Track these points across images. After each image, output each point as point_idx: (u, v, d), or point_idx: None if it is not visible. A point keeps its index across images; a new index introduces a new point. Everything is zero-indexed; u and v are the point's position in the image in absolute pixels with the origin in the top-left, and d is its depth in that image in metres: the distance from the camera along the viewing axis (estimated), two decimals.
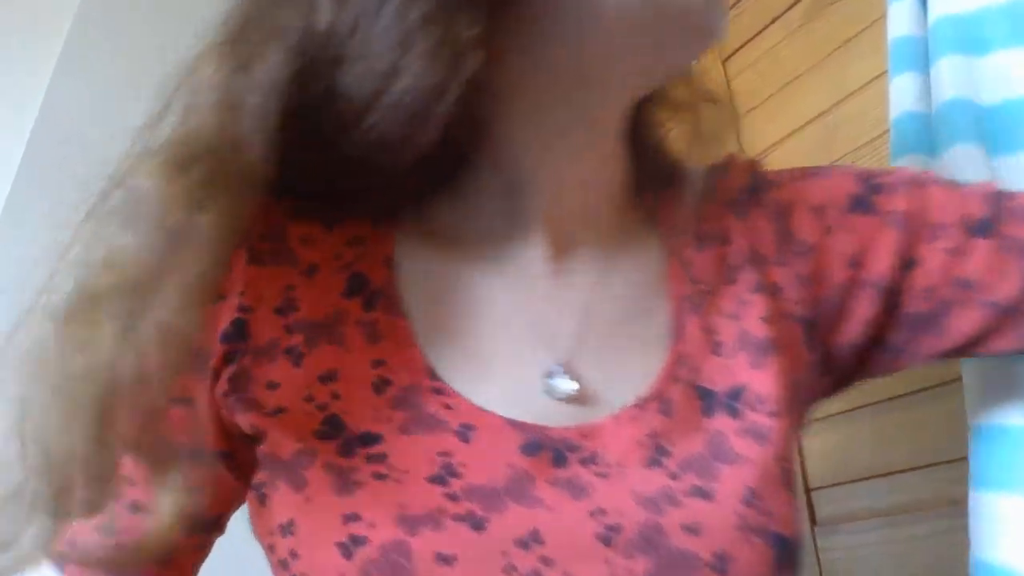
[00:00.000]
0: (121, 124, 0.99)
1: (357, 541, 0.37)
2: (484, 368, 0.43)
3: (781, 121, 1.03)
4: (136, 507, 0.45)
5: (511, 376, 0.43)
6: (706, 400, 0.44)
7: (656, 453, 0.42)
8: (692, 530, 0.39)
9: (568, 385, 0.43)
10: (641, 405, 0.43)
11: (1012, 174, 0.54)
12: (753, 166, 0.52)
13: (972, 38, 0.59)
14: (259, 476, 0.41)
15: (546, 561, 0.38)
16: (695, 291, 0.47)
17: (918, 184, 0.48)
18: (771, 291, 0.47)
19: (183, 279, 0.37)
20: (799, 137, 1.00)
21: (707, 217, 0.49)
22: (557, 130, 0.44)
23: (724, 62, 1.12)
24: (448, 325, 0.44)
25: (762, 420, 0.43)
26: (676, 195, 0.50)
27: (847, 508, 0.89)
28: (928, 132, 0.62)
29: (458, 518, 0.38)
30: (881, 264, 0.47)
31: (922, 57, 0.65)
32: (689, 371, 0.45)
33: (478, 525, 0.38)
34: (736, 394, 0.44)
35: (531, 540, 0.38)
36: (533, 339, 0.44)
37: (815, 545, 0.91)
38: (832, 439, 0.92)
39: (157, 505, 0.39)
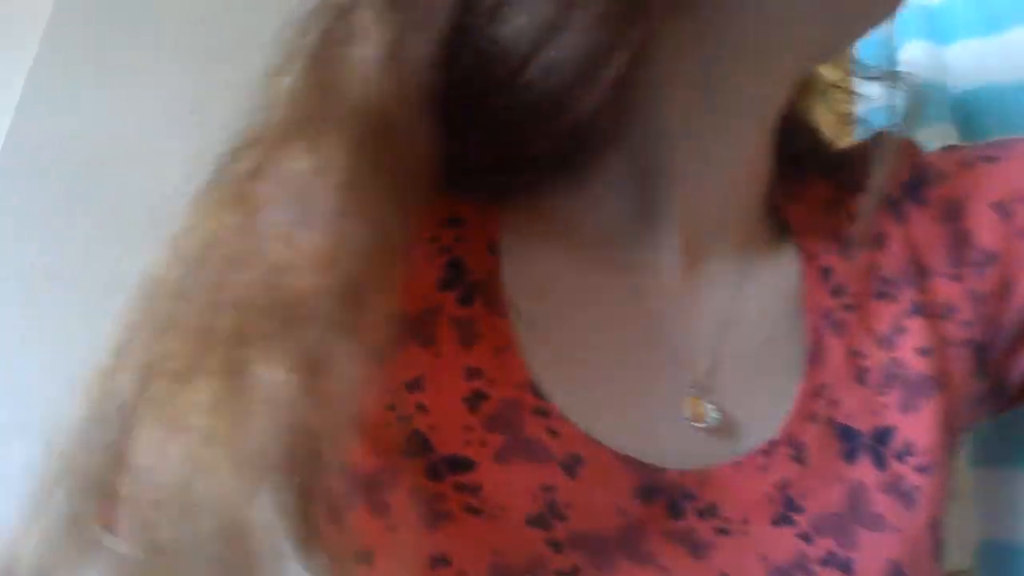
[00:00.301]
0: (101, 126, 0.97)
1: None
2: (599, 388, 0.36)
3: None
4: None
5: (632, 400, 0.37)
6: (848, 442, 0.37)
7: (786, 508, 0.35)
8: None
9: (712, 413, 0.36)
10: (770, 450, 0.36)
11: None
12: (912, 152, 0.43)
13: (938, 27, 0.63)
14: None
15: None
16: (838, 305, 0.39)
17: None
18: (936, 313, 0.39)
19: (378, 284, 0.30)
20: None
21: (856, 216, 0.41)
22: (716, 109, 0.37)
23: None
24: (558, 332, 0.37)
25: (911, 476, 0.36)
26: (817, 190, 0.43)
27: None
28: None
29: (562, 575, 0.32)
30: None
31: (887, 50, 0.68)
32: (828, 405, 0.37)
33: None
34: (883, 438, 0.37)
35: None
36: (663, 358, 0.37)
37: None
38: None
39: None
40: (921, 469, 0.36)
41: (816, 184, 0.42)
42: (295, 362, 0.27)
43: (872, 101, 0.66)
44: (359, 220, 0.30)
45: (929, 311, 0.39)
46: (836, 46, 0.38)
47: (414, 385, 0.35)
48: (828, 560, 0.34)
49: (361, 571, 0.31)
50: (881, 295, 0.39)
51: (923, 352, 0.38)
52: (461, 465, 0.34)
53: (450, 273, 0.37)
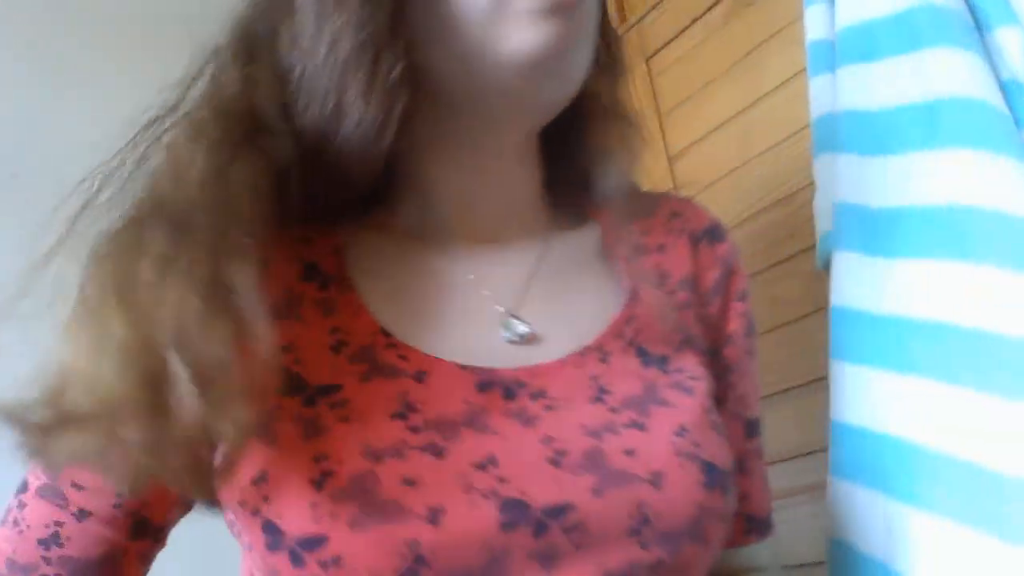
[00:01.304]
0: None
1: (327, 475, 0.40)
2: (435, 324, 0.49)
3: (702, 119, 1.06)
4: (84, 513, 0.48)
5: (462, 328, 0.49)
6: (642, 357, 0.50)
7: (599, 392, 0.47)
8: (630, 453, 0.45)
9: (521, 327, 0.49)
10: (583, 353, 0.49)
11: (891, 175, 0.58)
12: (681, 199, 0.61)
13: (866, 44, 0.63)
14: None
15: (501, 480, 0.42)
16: (639, 279, 0.54)
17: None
18: (700, 302, 0.56)
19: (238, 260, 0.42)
20: (719, 135, 1.03)
21: (645, 230, 0.56)
22: (457, 152, 0.52)
23: (648, 60, 1.14)
24: (397, 294, 0.49)
25: (688, 381, 0.50)
26: (610, 201, 0.56)
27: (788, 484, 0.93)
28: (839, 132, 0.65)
29: (420, 448, 0.42)
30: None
31: (833, 61, 0.68)
32: (635, 331, 0.51)
33: (438, 453, 0.42)
34: (667, 360, 0.51)
35: (488, 463, 0.42)
36: (481, 296, 0.51)
37: None
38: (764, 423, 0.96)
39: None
40: (695, 378, 0.50)
41: (612, 199, 0.55)
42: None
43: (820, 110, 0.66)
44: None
45: (696, 301, 0.55)
46: (528, 117, 0.51)
47: (288, 348, 0.45)
48: (630, 424, 0.46)
49: (258, 488, 0.41)
50: (664, 286, 0.55)
51: (698, 320, 0.55)
52: (331, 390, 0.44)
53: (307, 272, 0.49)
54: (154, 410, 0.37)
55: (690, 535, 0.44)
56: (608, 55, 0.56)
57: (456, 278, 0.51)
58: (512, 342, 0.49)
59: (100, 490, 0.48)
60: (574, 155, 0.57)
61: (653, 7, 1.13)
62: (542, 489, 0.42)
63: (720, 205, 1.02)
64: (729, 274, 0.57)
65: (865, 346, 0.56)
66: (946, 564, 0.47)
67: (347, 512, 0.40)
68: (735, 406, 0.58)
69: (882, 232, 0.57)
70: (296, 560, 0.39)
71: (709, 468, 0.46)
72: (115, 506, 0.48)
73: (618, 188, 0.54)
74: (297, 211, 0.49)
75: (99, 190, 0.44)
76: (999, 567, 0.45)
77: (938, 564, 0.47)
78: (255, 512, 0.41)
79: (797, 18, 0.81)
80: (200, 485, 0.42)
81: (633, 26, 1.16)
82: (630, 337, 0.51)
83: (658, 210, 0.58)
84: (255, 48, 0.49)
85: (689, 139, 1.07)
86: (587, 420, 0.45)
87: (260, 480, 0.41)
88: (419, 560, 0.39)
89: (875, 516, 0.52)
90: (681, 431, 0.46)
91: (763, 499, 0.60)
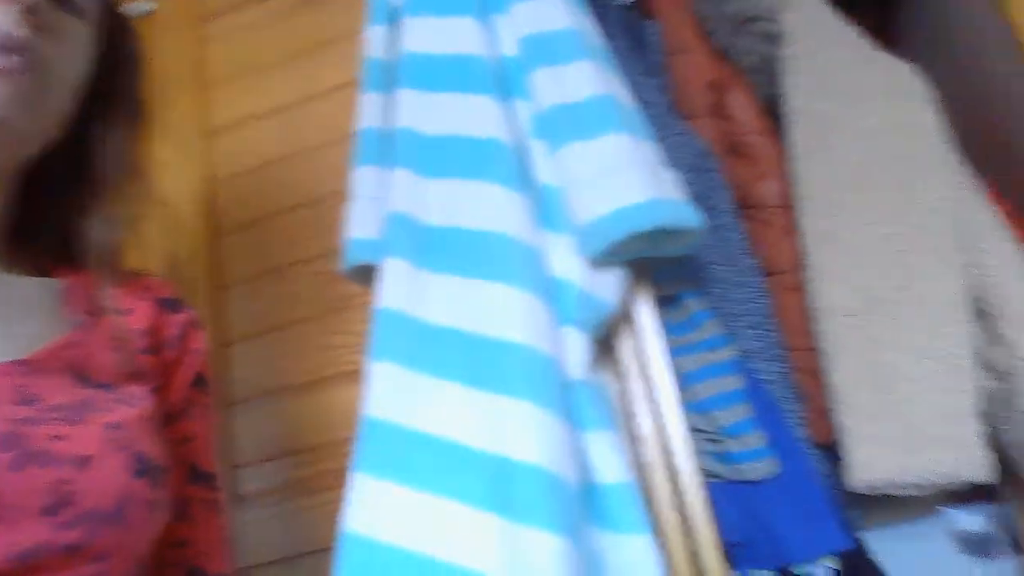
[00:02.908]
0: None
1: None
2: None
3: (249, 102, 1.03)
4: None
5: None
6: (83, 382, 0.53)
7: (26, 398, 0.49)
8: (58, 438, 0.47)
9: None
10: (13, 366, 0.51)
11: (438, 196, 0.65)
12: (153, 277, 0.68)
13: (427, 75, 0.69)
14: None
15: None
16: (94, 326, 0.57)
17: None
18: (156, 351, 0.61)
19: None
20: (263, 123, 1.02)
21: (116, 295, 0.60)
22: None
23: (202, 23, 1.08)
24: None
25: (130, 399, 0.54)
26: (88, 278, 0.60)
27: (268, 483, 0.93)
28: (384, 147, 0.70)
29: None
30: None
31: (387, 80, 0.73)
32: (74, 358, 0.54)
33: None
34: (111, 387, 0.54)
35: None
36: None
37: (239, 519, 0.92)
38: (258, 420, 0.95)
39: None
40: (136, 398, 0.54)
41: (89, 274, 0.60)
42: None
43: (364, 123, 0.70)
44: None
45: (154, 348, 0.61)
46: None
47: None
48: (60, 419, 0.48)
49: None
50: (126, 334, 0.59)
51: (154, 364, 0.60)
52: None
53: None
54: None
55: (112, 518, 0.47)
56: (125, 113, 0.61)
57: None
58: None
59: None
60: (62, 211, 0.60)
61: None
62: None
63: (253, 194, 1.00)
64: (185, 335, 0.64)
65: (400, 348, 0.61)
66: (469, 543, 0.54)
67: None
68: (179, 448, 0.61)
69: (426, 246, 0.63)
70: None
71: (140, 458, 0.50)
72: None
73: (95, 254, 0.59)
74: None
75: None
76: (509, 544, 0.52)
77: (463, 545, 0.54)
78: None
79: (357, 32, 0.84)
80: None
81: None
82: (68, 362, 0.54)
83: (131, 282, 0.63)
84: None
85: (232, 118, 1.04)
86: (9, 414, 0.47)
87: None
88: None
89: (401, 507, 0.56)
90: (115, 426, 0.50)
91: (214, 555, 0.62)
